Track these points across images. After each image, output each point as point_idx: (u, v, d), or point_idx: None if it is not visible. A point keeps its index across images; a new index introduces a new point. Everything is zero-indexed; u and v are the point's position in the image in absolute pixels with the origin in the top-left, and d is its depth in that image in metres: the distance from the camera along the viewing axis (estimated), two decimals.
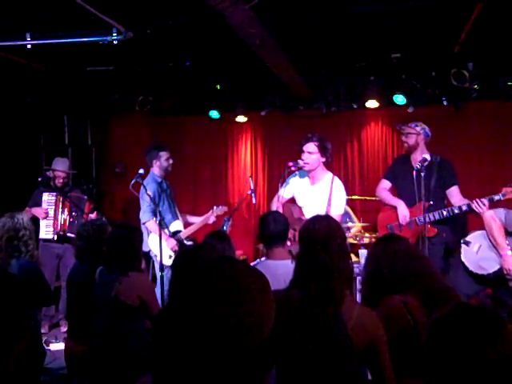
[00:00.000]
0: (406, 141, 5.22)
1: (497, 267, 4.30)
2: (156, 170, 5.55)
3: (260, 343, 1.31)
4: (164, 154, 5.56)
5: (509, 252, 4.28)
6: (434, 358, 1.37)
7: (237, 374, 1.30)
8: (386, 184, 5.37)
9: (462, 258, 4.49)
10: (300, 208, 4.86)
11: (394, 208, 5.12)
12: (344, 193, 4.86)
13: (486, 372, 1.29)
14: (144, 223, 5.32)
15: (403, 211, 5.00)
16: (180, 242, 5.19)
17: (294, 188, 4.95)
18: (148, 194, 4.93)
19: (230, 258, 1.49)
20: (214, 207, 5.60)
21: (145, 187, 4.94)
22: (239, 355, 1.29)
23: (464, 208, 4.68)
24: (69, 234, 5.82)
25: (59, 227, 5.88)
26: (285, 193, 4.91)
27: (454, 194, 4.92)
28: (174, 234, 5.41)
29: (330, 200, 4.68)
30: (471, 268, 4.42)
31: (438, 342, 1.37)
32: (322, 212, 4.54)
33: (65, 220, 5.91)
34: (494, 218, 4.39)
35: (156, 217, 4.97)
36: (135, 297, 3.40)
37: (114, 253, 3.49)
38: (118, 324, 3.38)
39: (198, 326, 1.28)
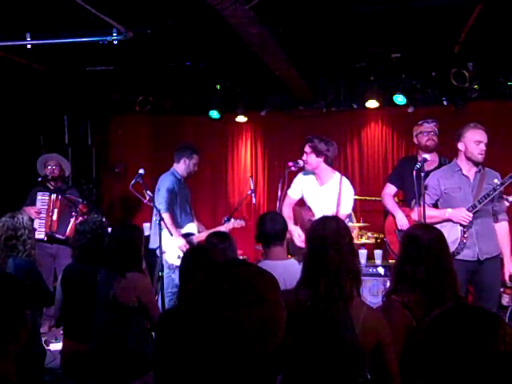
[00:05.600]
0: (435, 139, 5.14)
1: (458, 227, 4.20)
2: (181, 167, 5.50)
3: (275, 345, 1.31)
4: (196, 158, 5.56)
5: (448, 210, 4.23)
6: (429, 358, 1.37)
7: (249, 377, 1.29)
8: (390, 189, 5.27)
9: None
10: (309, 209, 4.83)
11: (393, 216, 5.12)
12: (352, 192, 4.81)
13: (481, 372, 1.29)
14: (160, 211, 5.15)
15: (401, 220, 4.99)
16: (190, 245, 5.14)
17: (302, 188, 4.91)
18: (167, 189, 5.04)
19: (242, 262, 1.49)
20: (232, 220, 5.50)
21: (177, 177, 5.23)
22: (252, 359, 1.29)
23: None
24: (57, 236, 5.79)
25: (48, 228, 5.86)
26: (294, 194, 4.89)
27: None
28: (187, 236, 5.36)
29: (339, 200, 4.64)
30: (452, 249, 4.12)
31: (433, 342, 1.38)
32: (332, 212, 4.54)
33: (54, 221, 5.86)
34: (416, 210, 4.37)
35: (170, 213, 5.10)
36: (133, 298, 3.39)
37: (114, 253, 3.48)
38: (117, 325, 3.38)
39: (211, 329, 1.28)
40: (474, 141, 4.20)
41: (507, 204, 4.63)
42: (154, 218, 5.41)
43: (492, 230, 4.32)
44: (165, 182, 5.32)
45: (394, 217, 5.12)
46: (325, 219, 2.56)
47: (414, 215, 4.52)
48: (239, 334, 1.26)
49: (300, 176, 4.94)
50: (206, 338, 1.28)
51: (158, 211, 4.91)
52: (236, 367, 1.27)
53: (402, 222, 4.98)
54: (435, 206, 4.44)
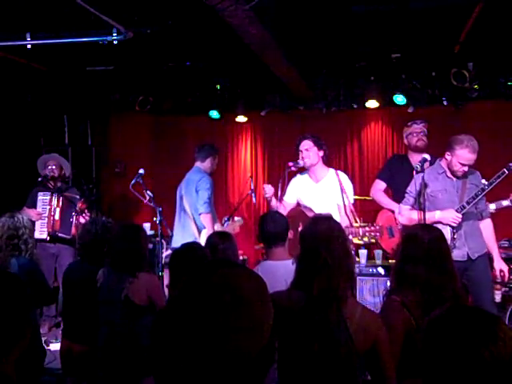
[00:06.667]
0: (425, 139, 5.20)
1: (448, 229, 4.23)
2: (207, 166, 5.53)
3: (259, 348, 1.31)
4: (217, 158, 5.70)
5: (437, 212, 4.27)
6: (429, 358, 1.37)
7: (235, 378, 1.29)
8: (381, 185, 5.38)
9: None
10: (310, 208, 4.84)
11: (393, 211, 5.15)
12: (351, 183, 4.89)
13: (480, 373, 1.29)
14: (201, 214, 5.20)
15: None
16: None
17: (297, 192, 4.90)
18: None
19: (227, 262, 1.48)
20: (236, 218, 5.55)
21: (205, 179, 5.23)
22: (238, 360, 1.29)
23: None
24: (60, 235, 5.79)
25: (51, 227, 5.87)
26: (288, 199, 4.89)
27: None
28: None
29: (343, 191, 4.69)
30: None
31: (433, 342, 1.38)
32: (334, 207, 4.58)
33: (56, 220, 5.87)
34: (402, 214, 4.46)
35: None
36: (145, 296, 3.41)
37: (120, 253, 3.49)
38: (130, 324, 3.39)
39: (195, 330, 1.28)
40: (459, 161, 4.24)
41: (503, 205, 4.70)
42: (177, 218, 5.42)
43: (478, 228, 4.40)
44: (204, 183, 5.29)
45: (392, 212, 5.17)
46: (317, 219, 2.54)
47: (402, 219, 4.54)
48: (221, 335, 1.26)
49: (293, 181, 4.96)
50: (191, 339, 1.28)
51: (184, 211, 4.96)
52: (220, 367, 1.27)
53: None
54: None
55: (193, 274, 1.35)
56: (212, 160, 5.57)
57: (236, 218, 5.53)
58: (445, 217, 4.26)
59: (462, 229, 4.28)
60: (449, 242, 4.15)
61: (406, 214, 4.47)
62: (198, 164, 5.54)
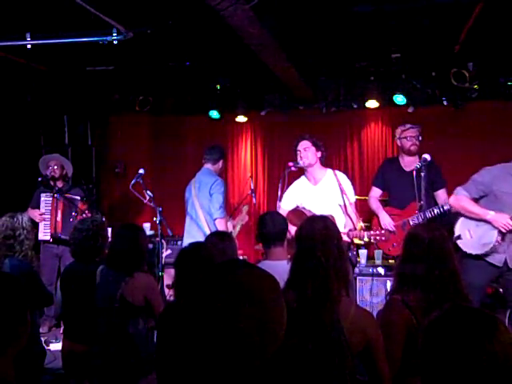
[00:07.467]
0: (417, 144, 5.21)
1: (495, 232, 4.15)
2: (217, 168, 5.45)
3: (275, 348, 1.31)
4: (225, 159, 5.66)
5: (491, 212, 4.15)
6: (427, 358, 1.38)
7: (252, 379, 1.29)
8: (376, 192, 5.45)
9: (466, 250, 4.24)
10: (309, 210, 4.83)
11: (389, 211, 5.23)
12: (350, 182, 4.91)
13: (477, 373, 1.30)
14: (216, 219, 5.12)
15: (385, 220, 5.18)
16: None
17: (296, 198, 4.87)
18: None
19: (240, 263, 1.48)
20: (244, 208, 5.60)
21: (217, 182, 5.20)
22: (253, 360, 1.28)
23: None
24: (63, 237, 5.77)
25: (53, 229, 5.87)
26: (286, 206, 4.84)
27: (442, 196, 5.07)
28: None
29: (343, 191, 4.70)
30: (478, 252, 4.17)
31: (431, 343, 1.38)
32: (336, 208, 4.59)
33: (58, 221, 5.87)
34: (458, 198, 4.29)
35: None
36: (141, 297, 3.40)
37: (118, 252, 3.49)
38: (125, 324, 3.39)
39: (210, 329, 1.27)
40: None
41: None
42: (187, 218, 5.36)
43: None
44: (219, 186, 5.21)
45: (387, 212, 5.24)
46: (312, 220, 2.54)
47: (453, 200, 4.35)
48: (238, 335, 1.25)
49: (291, 188, 4.93)
50: (206, 338, 1.27)
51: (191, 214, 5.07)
52: (236, 369, 1.27)
53: (385, 221, 5.17)
54: (476, 200, 4.32)
55: (206, 276, 1.35)
56: (223, 162, 5.53)
57: (242, 207, 5.58)
58: (496, 219, 4.11)
59: (510, 236, 4.14)
60: (492, 244, 4.13)
61: (460, 199, 4.27)
62: (208, 166, 5.41)
